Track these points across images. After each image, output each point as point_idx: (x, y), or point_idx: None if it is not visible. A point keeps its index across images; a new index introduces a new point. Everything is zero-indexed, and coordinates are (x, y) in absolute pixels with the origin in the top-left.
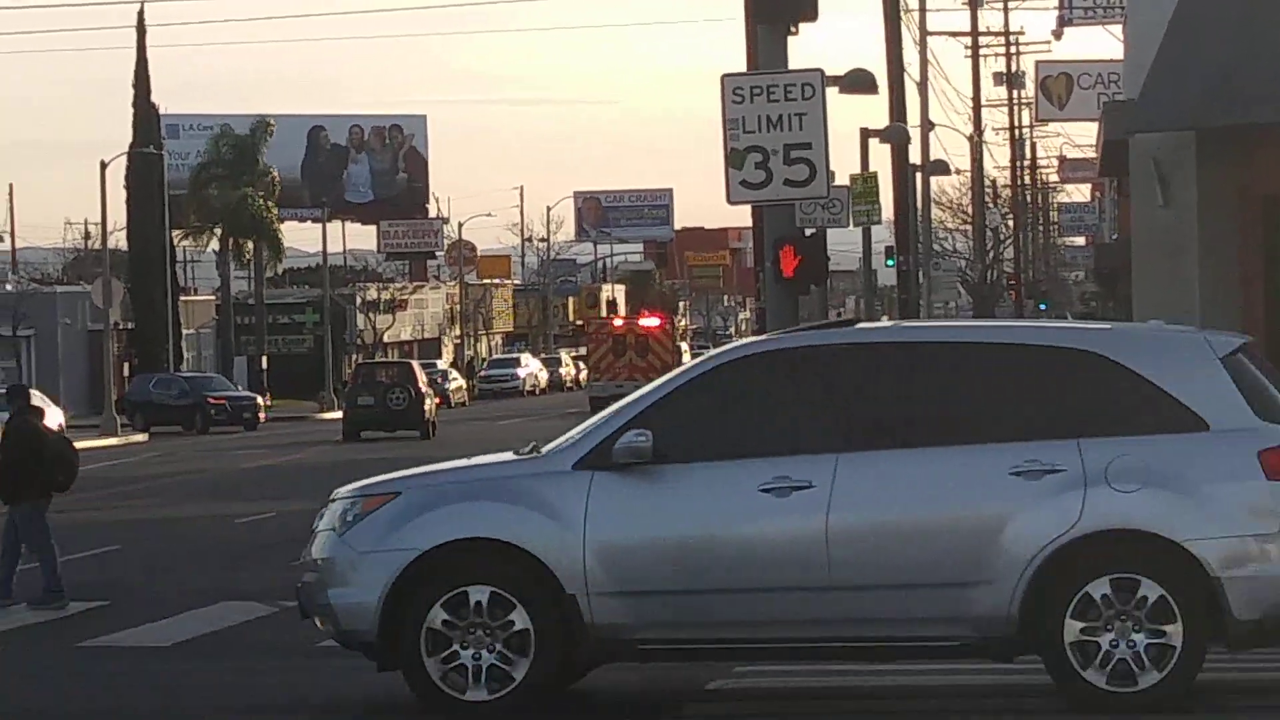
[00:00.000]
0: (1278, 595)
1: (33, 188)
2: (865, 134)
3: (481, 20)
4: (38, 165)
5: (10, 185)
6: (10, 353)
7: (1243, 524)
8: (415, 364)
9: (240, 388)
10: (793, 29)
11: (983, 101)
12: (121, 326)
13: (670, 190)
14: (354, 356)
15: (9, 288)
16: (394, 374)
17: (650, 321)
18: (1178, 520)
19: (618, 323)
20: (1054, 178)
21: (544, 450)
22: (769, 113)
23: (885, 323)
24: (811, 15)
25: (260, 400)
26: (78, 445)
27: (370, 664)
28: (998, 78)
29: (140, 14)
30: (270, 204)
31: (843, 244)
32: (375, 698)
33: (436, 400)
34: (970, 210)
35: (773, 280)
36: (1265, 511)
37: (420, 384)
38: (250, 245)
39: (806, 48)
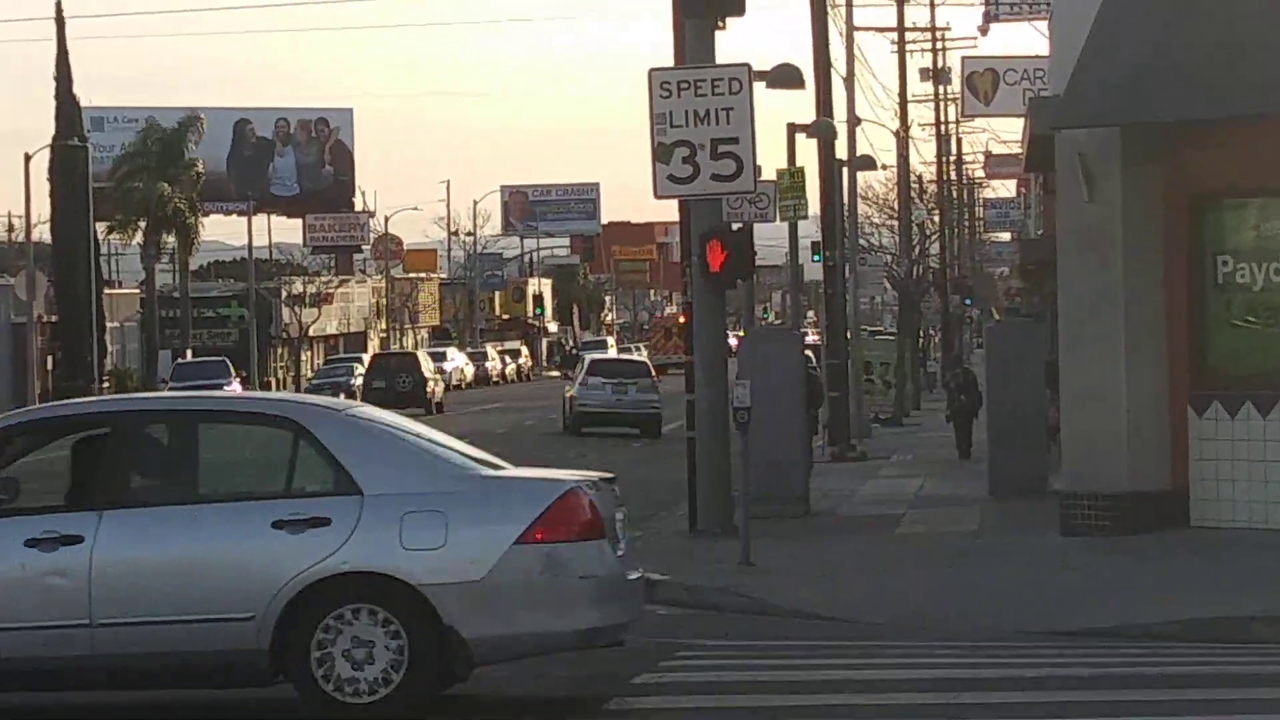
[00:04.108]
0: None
1: None
2: (792, 129)
3: (408, 13)
4: None
5: None
6: None
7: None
8: (421, 353)
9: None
10: (720, 24)
11: (909, 97)
12: (45, 320)
13: (597, 185)
14: (279, 350)
15: None
16: (402, 362)
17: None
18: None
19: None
20: (980, 173)
21: None
22: (696, 107)
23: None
24: (738, 10)
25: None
26: None
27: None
28: (924, 73)
29: (58, 5)
30: (192, 198)
31: (770, 239)
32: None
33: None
34: (897, 206)
35: (700, 275)
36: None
37: (424, 370)
38: (171, 239)
39: (733, 42)
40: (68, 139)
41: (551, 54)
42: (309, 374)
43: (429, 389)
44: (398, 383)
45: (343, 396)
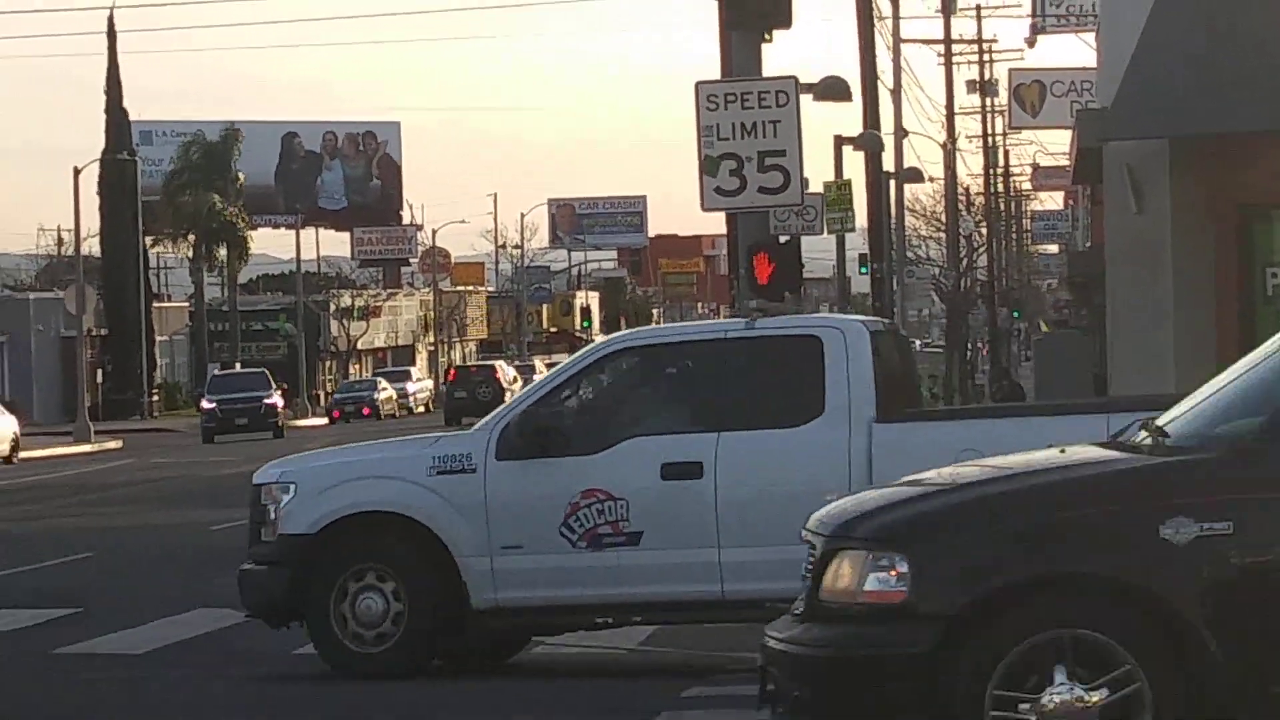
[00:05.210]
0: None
1: (6, 194)
2: (839, 141)
3: (456, 27)
4: (11, 171)
5: None
6: None
7: None
8: (500, 363)
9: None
10: (767, 36)
11: (956, 109)
12: (95, 333)
13: (644, 197)
14: (328, 363)
15: None
16: (482, 374)
17: None
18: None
19: None
20: (1027, 185)
21: None
22: (743, 120)
23: None
24: (785, 23)
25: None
26: (50, 452)
27: (340, 673)
28: (971, 85)
29: (110, 20)
30: (240, 209)
31: (817, 251)
32: (351, 703)
33: None
34: (944, 218)
35: (747, 288)
36: None
37: (502, 381)
38: (221, 251)
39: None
40: (117, 153)
41: (598, 67)
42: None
43: (507, 399)
44: (479, 393)
45: (365, 412)
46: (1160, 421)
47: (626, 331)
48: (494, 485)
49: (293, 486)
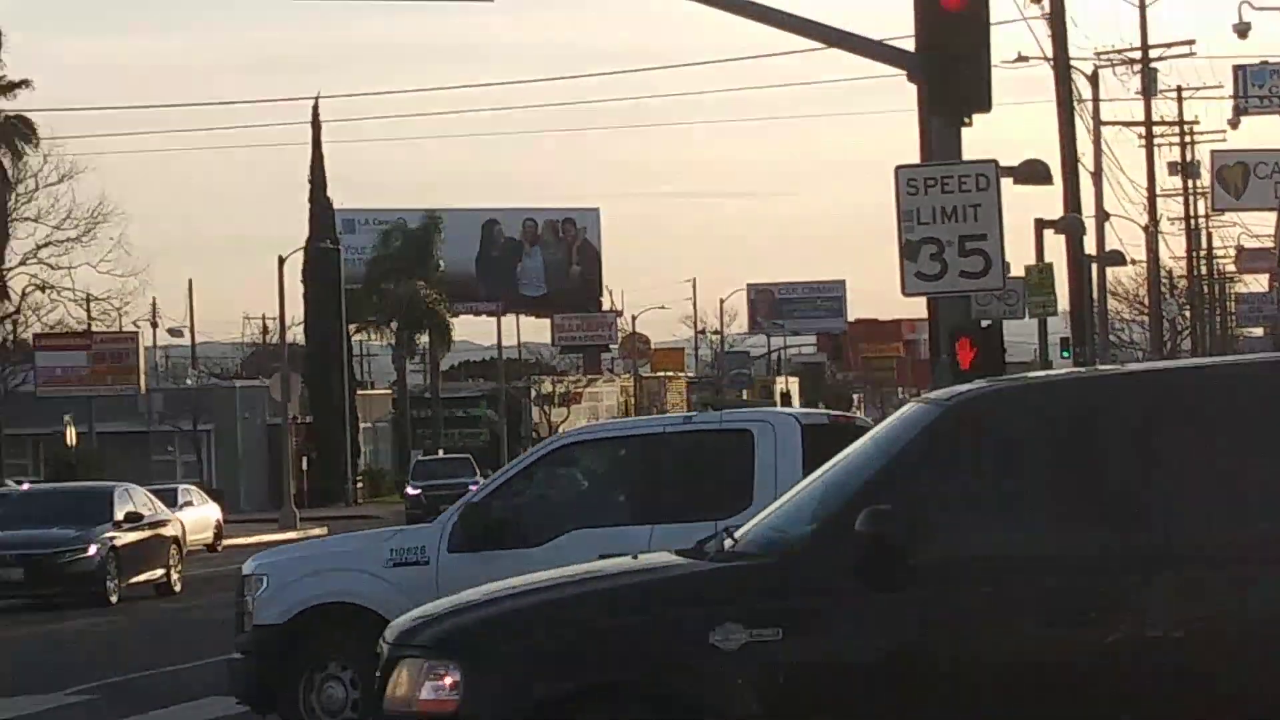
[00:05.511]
0: None
1: (211, 283)
2: (1040, 225)
3: (654, 113)
4: (216, 261)
5: (189, 281)
6: (191, 447)
7: None
8: None
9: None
10: (966, 120)
11: (1157, 191)
12: (300, 420)
13: (843, 282)
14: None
15: (189, 383)
16: None
17: None
18: None
19: None
20: (1231, 268)
21: None
22: (944, 204)
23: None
24: (985, 106)
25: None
26: (256, 539)
27: None
28: (1172, 167)
29: (315, 109)
30: (441, 296)
31: (1018, 335)
32: None
33: None
34: (1146, 301)
35: (949, 373)
36: None
37: None
38: (423, 338)
39: (979, 137)
40: (321, 241)
41: (794, 153)
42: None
43: None
44: None
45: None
46: (739, 528)
47: (576, 428)
48: (445, 576)
49: (265, 578)
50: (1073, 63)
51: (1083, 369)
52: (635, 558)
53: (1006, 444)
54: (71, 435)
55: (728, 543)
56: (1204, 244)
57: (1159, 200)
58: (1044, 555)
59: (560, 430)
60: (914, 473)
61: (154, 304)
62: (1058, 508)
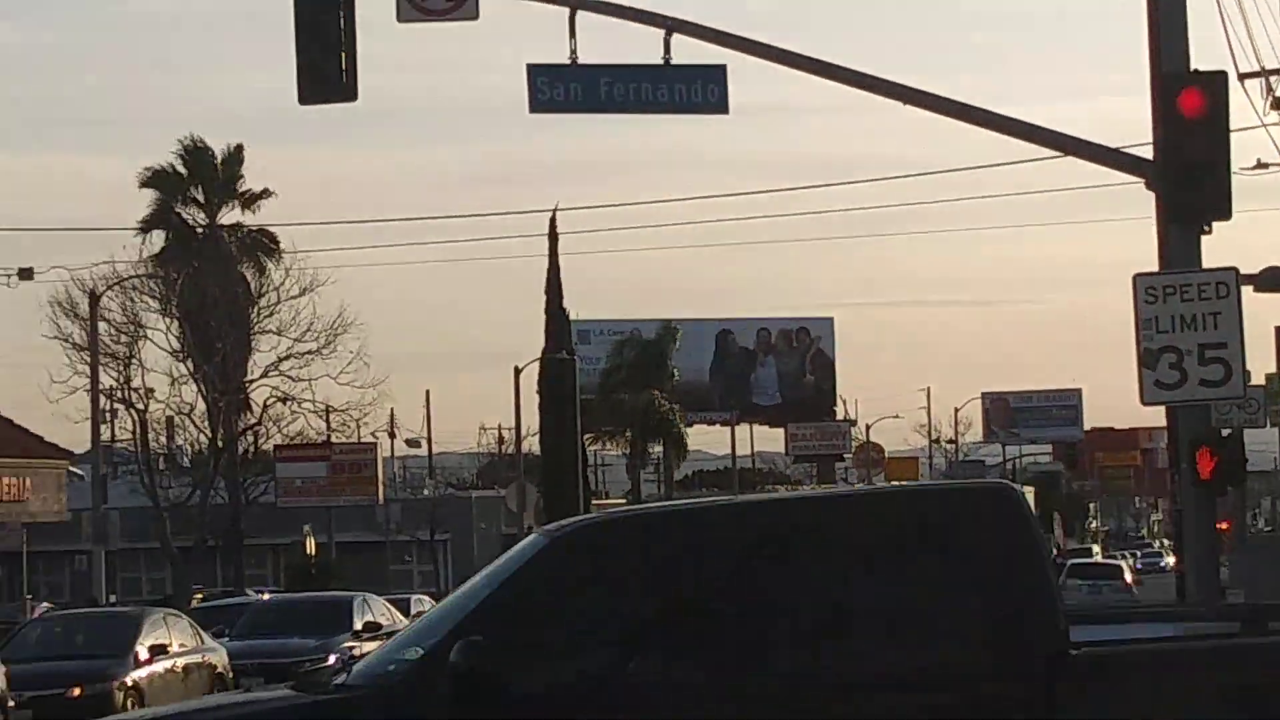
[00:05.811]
0: None
1: (447, 395)
2: None
3: (885, 224)
4: (452, 371)
5: (426, 392)
6: (429, 557)
7: None
8: None
9: None
10: (1206, 229)
11: None
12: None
13: (1079, 390)
14: None
15: (426, 493)
16: None
17: None
18: None
19: None
20: None
21: None
22: (1183, 312)
23: None
24: (1225, 215)
25: None
26: None
27: None
28: None
29: (553, 221)
30: (675, 406)
31: (1258, 443)
32: None
33: None
34: None
35: (1189, 482)
36: None
37: None
38: (657, 448)
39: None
40: (556, 352)
41: (1029, 260)
42: None
43: None
44: None
45: None
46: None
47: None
48: None
49: None
50: None
51: (697, 499)
52: (248, 689)
53: (607, 574)
54: (311, 545)
55: (342, 676)
56: None
57: None
58: (632, 683)
59: None
60: (518, 602)
61: (392, 414)
62: (649, 636)
